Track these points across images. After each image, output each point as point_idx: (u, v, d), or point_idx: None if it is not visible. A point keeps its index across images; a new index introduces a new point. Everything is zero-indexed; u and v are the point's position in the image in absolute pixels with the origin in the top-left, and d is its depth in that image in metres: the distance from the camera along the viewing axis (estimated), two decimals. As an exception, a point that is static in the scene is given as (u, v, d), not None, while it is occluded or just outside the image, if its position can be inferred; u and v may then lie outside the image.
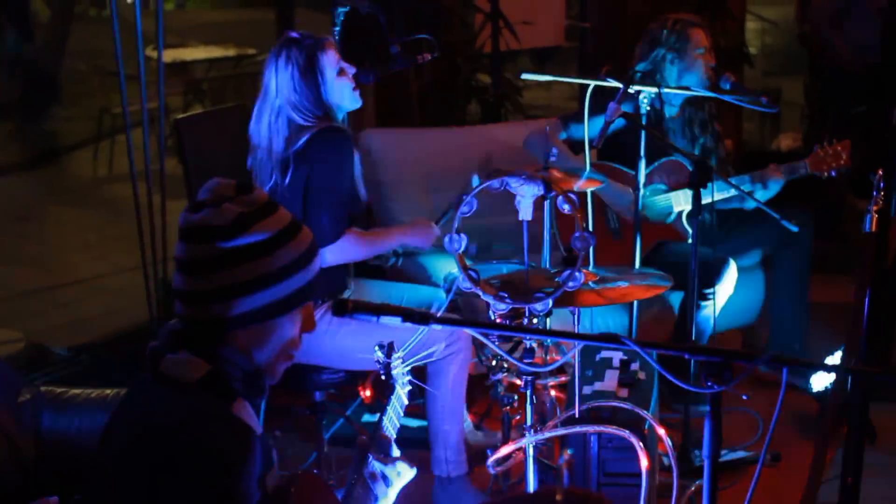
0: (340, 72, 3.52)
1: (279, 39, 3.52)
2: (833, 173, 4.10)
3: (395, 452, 2.27)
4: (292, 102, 3.43)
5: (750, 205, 4.20)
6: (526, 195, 2.64)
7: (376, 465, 2.14)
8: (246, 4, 15.71)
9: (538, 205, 2.83)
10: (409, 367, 2.37)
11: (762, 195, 4.14)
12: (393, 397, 2.30)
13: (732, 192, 4.03)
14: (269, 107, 3.46)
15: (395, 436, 2.27)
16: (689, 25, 4.25)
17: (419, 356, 2.49)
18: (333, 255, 3.46)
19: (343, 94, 3.53)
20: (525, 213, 2.66)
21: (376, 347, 2.32)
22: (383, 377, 2.31)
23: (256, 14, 12.12)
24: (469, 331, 2.87)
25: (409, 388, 2.37)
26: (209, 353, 1.89)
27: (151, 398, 1.89)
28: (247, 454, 1.81)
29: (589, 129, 3.69)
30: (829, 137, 4.13)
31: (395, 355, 2.32)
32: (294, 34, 3.51)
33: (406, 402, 2.36)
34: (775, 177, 4.15)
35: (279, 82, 3.44)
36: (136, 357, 4.39)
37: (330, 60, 3.48)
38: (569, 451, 2.90)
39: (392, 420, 2.28)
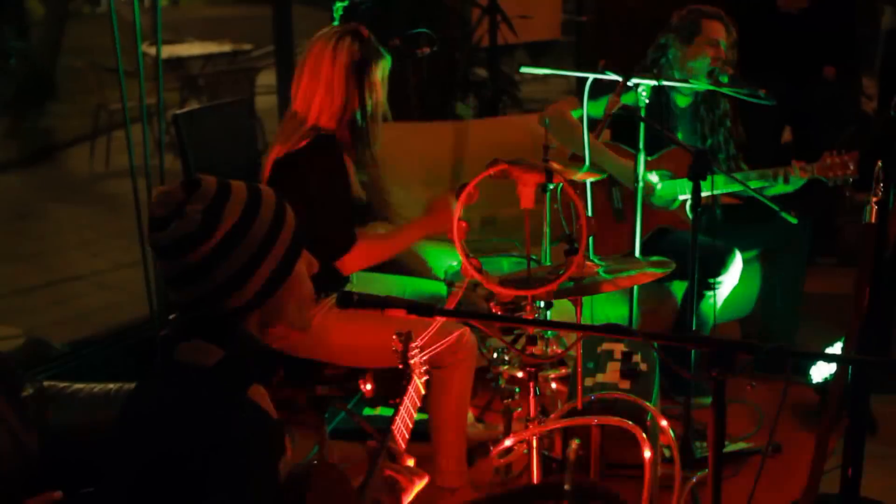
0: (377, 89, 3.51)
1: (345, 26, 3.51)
2: (839, 182, 4.10)
3: (407, 462, 2.25)
4: (340, 88, 3.41)
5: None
6: (528, 183, 2.64)
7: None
8: (242, 0, 15.69)
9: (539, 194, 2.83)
10: (426, 357, 2.34)
11: (781, 189, 4.15)
12: (410, 388, 2.28)
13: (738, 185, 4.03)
14: (325, 84, 3.43)
15: (408, 436, 2.25)
16: (703, 16, 4.23)
17: (436, 345, 2.46)
18: (353, 262, 3.43)
19: (375, 107, 3.51)
20: (527, 201, 2.66)
21: (394, 336, 2.31)
22: (401, 366, 2.29)
23: (252, 10, 12.09)
24: (474, 322, 2.88)
25: (427, 377, 2.35)
26: (223, 339, 1.90)
27: (168, 386, 1.90)
28: (265, 438, 1.83)
29: (598, 104, 3.69)
30: (839, 147, 4.13)
31: (412, 345, 2.31)
32: (361, 30, 3.50)
33: (423, 391, 2.35)
34: (799, 174, 4.14)
35: (334, 62, 3.41)
36: (137, 352, 4.42)
37: (380, 72, 3.48)
38: (577, 441, 2.91)
39: (405, 420, 2.26)
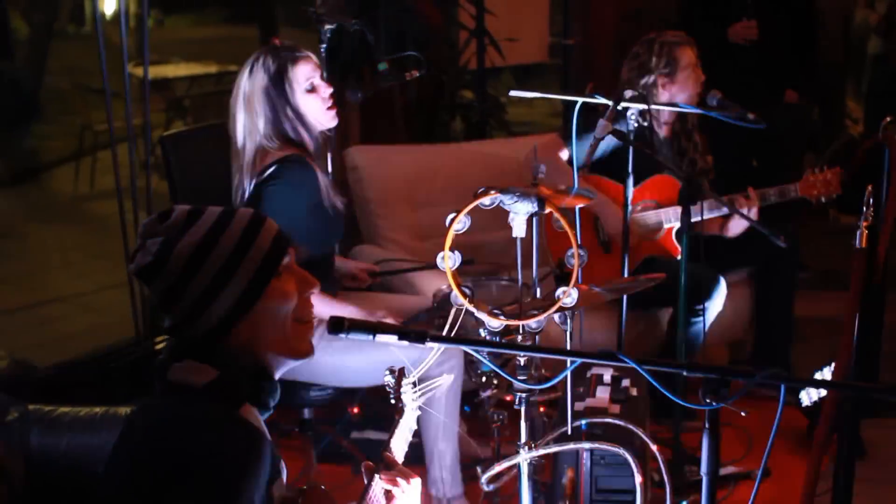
0: (311, 89, 3.49)
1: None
2: (822, 200, 4.11)
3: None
4: (262, 109, 3.43)
5: None
6: (519, 212, 2.62)
7: (383, 484, 2.11)
8: (228, 21, 15.67)
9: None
10: (420, 393, 2.33)
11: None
12: (402, 421, 2.26)
13: (723, 209, 4.02)
14: (244, 108, 3.46)
15: (402, 459, 2.24)
16: (675, 46, 4.23)
17: (432, 382, 2.43)
18: None
19: (312, 111, 3.50)
20: (519, 230, 2.65)
21: (386, 372, 2.29)
22: (393, 401, 2.28)
23: (239, 31, 12.08)
24: (466, 348, 2.86)
25: (420, 413, 2.34)
26: (213, 359, 1.91)
27: (161, 407, 1.90)
28: (258, 457, 1.82)
29: (582, 145, 3.68)
30: (821, 164, 4.14)
31: (405, 381, 2.29)
32: (275, 43, 3.50)
33: (415, 426, 2.33)
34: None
35: (251, 86, 3.44)
36: (122, 375, 4.38)
37: (298, 75, 3.46)
38: (572, 470, 2.89)
39: (399, 445, 2.24)
